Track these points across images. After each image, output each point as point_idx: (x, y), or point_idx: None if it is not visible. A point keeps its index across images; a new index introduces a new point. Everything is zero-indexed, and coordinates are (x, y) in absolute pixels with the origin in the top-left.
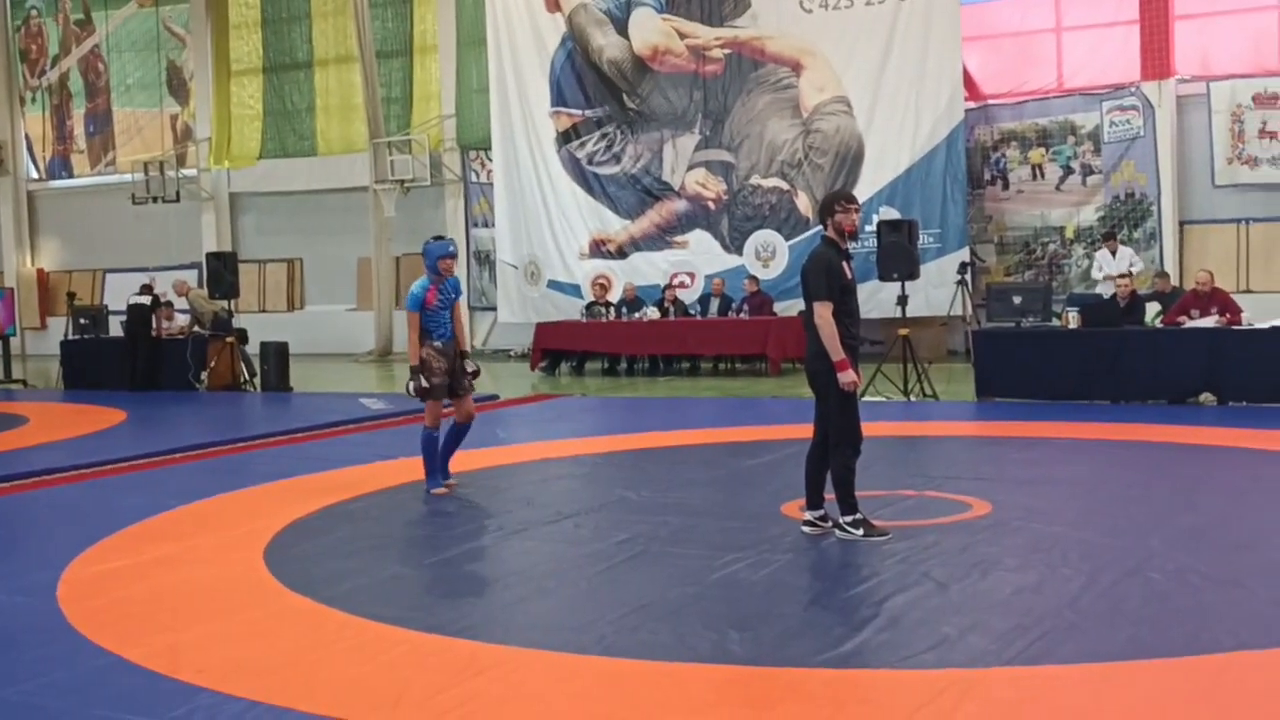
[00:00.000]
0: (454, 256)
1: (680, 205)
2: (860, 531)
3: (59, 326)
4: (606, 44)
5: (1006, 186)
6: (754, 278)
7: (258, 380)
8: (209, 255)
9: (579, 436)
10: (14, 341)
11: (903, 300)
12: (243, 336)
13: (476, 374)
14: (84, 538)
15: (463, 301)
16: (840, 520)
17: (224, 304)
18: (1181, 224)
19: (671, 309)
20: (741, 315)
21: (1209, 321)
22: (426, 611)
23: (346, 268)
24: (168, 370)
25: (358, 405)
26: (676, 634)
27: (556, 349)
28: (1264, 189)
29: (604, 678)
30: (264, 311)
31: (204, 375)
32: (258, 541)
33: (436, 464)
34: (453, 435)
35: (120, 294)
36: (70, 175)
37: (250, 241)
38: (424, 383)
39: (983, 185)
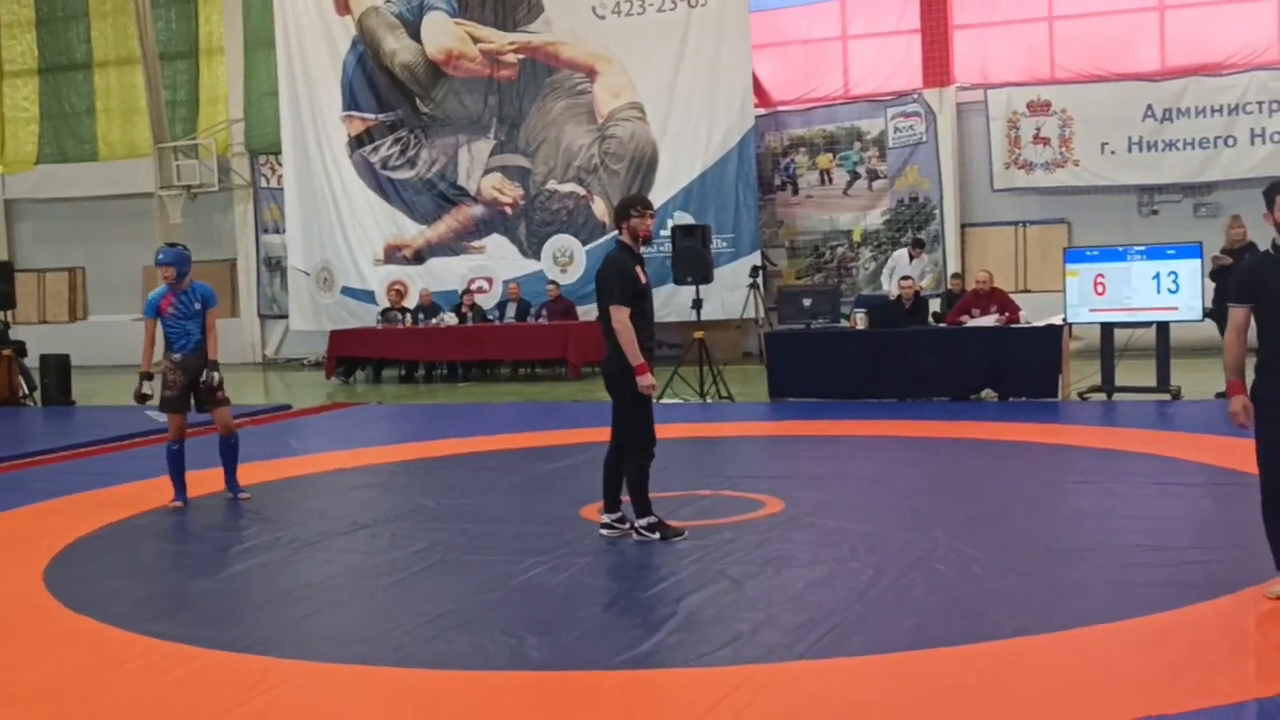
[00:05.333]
0: (164, 265)
1: (477, 210)
2: (656, 534)
3: None
4: (399, 48)
5: (796, 191)
6: (555, 283)
7: (38, 394)
8: None
9: (375, 445)
10: None
11: (698, 304)
12: (20, 349)
13: (217, 385)
14: None
15: (215, 311)
16: (636, 523)
17: (1, 315)
18: (963, 226)
19: (469, 314)
20: (540, 320)
21: (989, 320)
22: (216, 628)
23: (132, 276)
24: None
25: (143, 418)
26: (475, 642)
27: (352, 356)
28: (1039, 193)
29: (399, 689)
30: (44, 322)
31: None
32: (37, 561)
33: (181, 478)
34: (223, 450)
35: None
36: None
37: (28, 250)
38: (144, 389)
39: (773, 190)
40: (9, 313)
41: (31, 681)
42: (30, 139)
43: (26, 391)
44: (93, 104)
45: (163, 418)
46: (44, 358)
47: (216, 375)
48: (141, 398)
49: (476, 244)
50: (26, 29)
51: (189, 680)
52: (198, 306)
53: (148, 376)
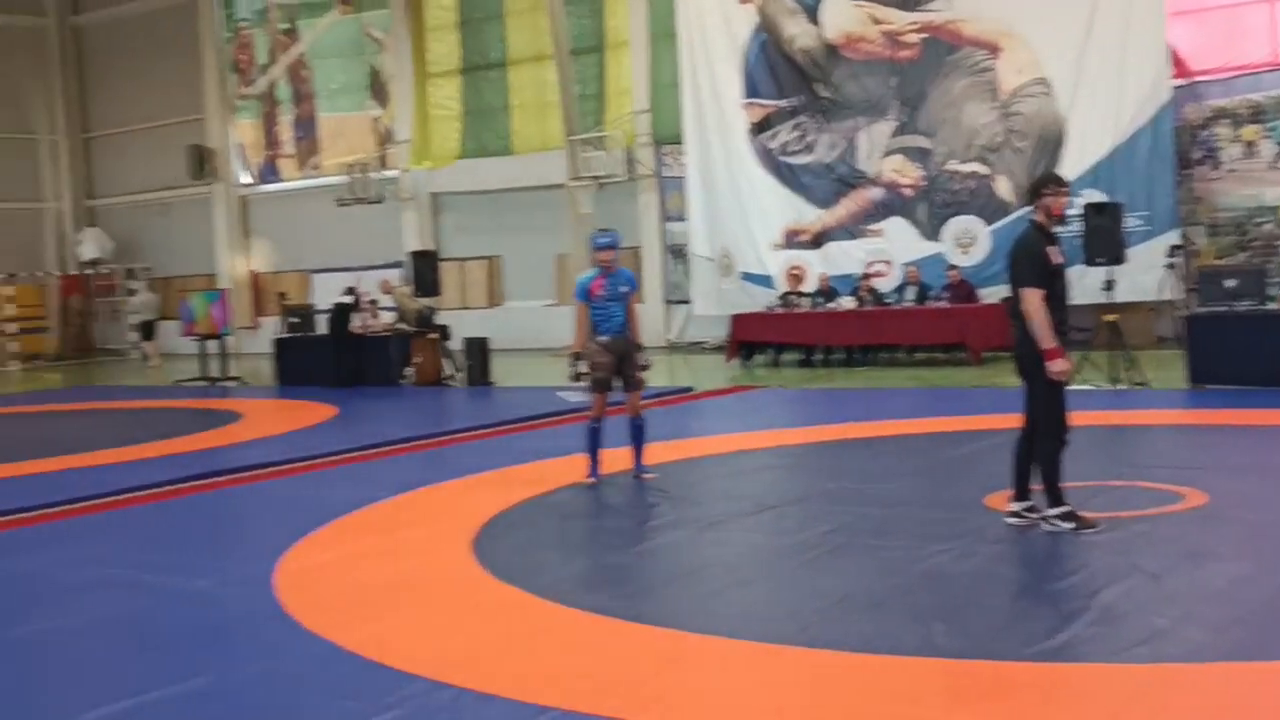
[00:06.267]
0: (605, 249)
1: (875, 193)
2: (1069, 524)
3: (271, 325)
4: (798, 33)
5: (1217, 166)
6: (955, 267)
7: (460, 375)
8: (412, 254)
9: (776, 428)
10: (229, 340)
11: (1109, 285)
12: (445, 333)
13: (646, 368)
14: (298, 529)
15: (637, 295)
16: (1047, 512)
17: (427, 301)
18: None
19: (867, 298)
20: (940, 303)
21: None
22: (630, 601)
23: (544, 264)
24: (373, 366)
25: (556, 399)
26: (880, 625)
27: (752, 340)
28: None
29: (807, 668)
30: (465, 308)
31: (409, 371)
32: (465, 532)
33: (597, 454)
34: (632, 431)
35: (327, 293)
36: (279, 179)
37: (451, 240)
38: (581, 368)
39: (1191, 165)
40: (435, 299)
41: (461, 644)
42: (453, 135)
43: (451, 373)
44: (508, 100)
45: (574, 398)
46: (466, 341)
47: (647, 359)
48: (580, 377)
49: (875, 227)
50: (450, 31)
51: (604, 651)
52: (623, 290)
53: (580, 357)
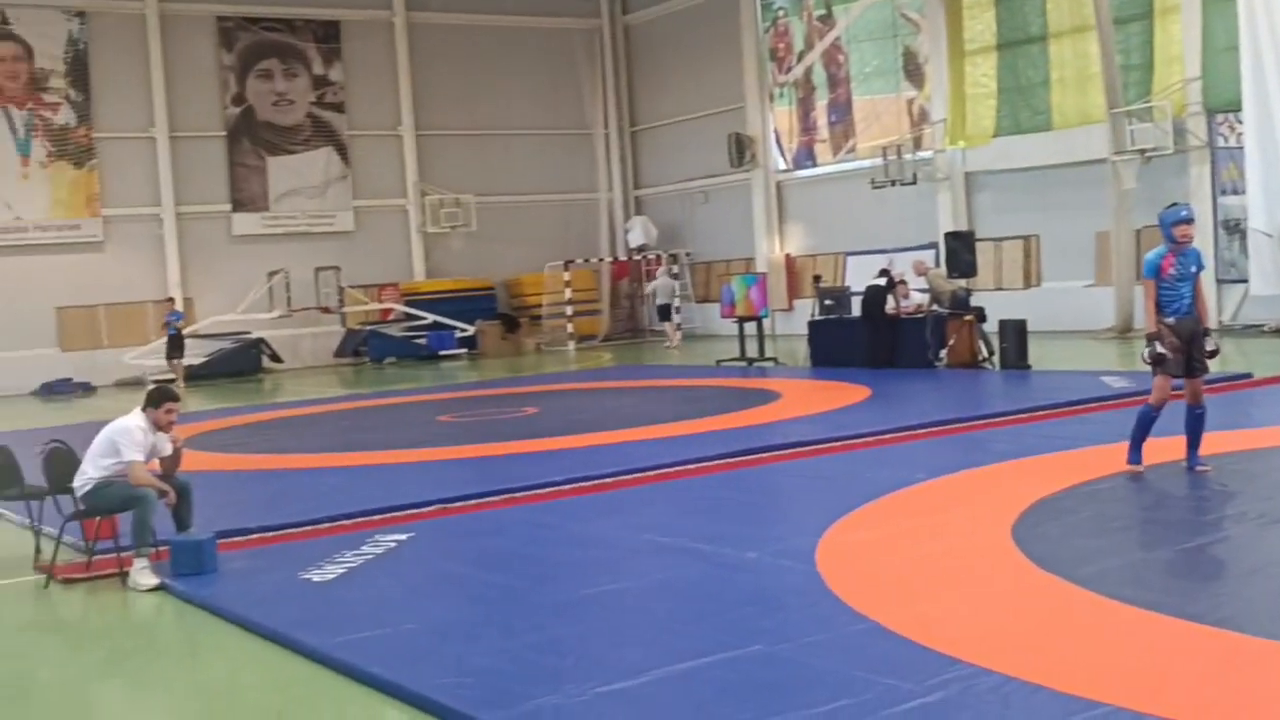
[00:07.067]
0: (1189, 222)
1: None
2: None
3: (805, 307)
4: None
5: None
6: None
7: (996, 358)
8: (946, 235)
9: None
10: (766, 322)
11: None
12: (980, 314)
13: (1215, 353)
14: (837, 507)
15: (1205, 275)
16: None
17: (962, 283)
18: None
19: None
20: None
21: None
22: (1181, 597)
23: (1084, 242)
24: (906, 348)
25: (1098, 384)
26: None
27: None
28: None
29: None
30: (1000, 289)
31: (943, 353)
32: (1005, 517)
33: (1143, 440)
34: (1190, 421)
35: (860, 275)
36: (813, 164)
37: (986, 220)
38: (1158, 349)
39: None
40: (970, 280)
41: (1004, 630)
42: (988, 114)
43: (986, 355)
44: (1047, 75)
45: (1119, 383)
46: (1001, 323)
47: (1215, 343)
48: (1157, 359)
49: None
50: (986, 8)
51: (1155, 648)
52: (1193, 269)
53: (1157, 337)
